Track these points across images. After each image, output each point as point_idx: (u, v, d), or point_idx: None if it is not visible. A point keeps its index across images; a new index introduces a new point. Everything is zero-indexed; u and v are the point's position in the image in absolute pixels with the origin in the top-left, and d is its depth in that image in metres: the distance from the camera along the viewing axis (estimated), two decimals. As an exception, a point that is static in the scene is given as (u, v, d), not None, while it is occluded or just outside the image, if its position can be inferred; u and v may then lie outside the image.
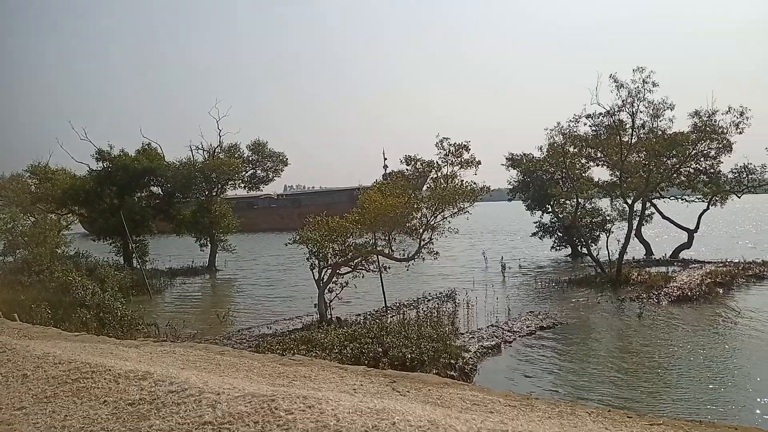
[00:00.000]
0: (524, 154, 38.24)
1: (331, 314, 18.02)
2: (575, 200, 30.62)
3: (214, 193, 35.76)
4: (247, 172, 40.37)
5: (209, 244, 35.75)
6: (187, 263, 35.80)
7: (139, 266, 29.99)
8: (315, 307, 18.25)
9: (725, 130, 28.18)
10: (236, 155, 38.25)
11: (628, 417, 5.43)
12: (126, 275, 25.69)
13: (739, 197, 32.49)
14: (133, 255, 31.87)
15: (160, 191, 36.04)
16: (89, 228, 39.38)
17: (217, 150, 37.85)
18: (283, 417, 3.82)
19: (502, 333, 16.52)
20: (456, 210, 19.49)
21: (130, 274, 26.78)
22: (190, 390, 4.59)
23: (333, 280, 18.29)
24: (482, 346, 15.06)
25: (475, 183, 21.17)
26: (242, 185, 40.78)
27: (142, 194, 35.97)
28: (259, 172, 41.09)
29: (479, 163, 20.61)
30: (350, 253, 18.43)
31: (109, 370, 5.49)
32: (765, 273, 26.32)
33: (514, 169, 39.18)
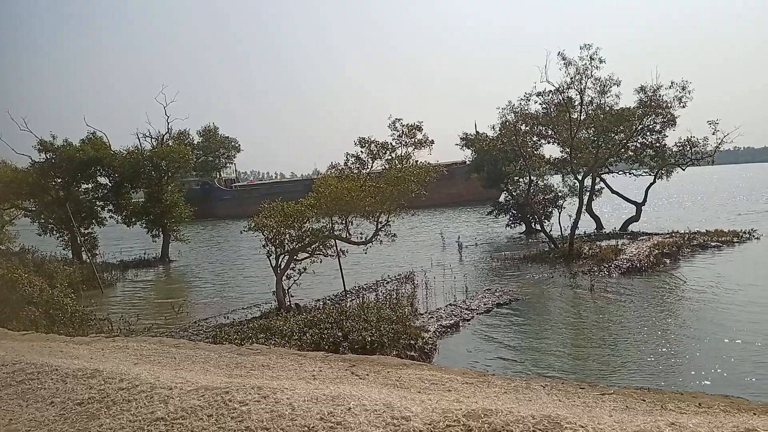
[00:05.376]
0: (478, 134, 38.66)
1: (289, 301, 17.90)
2: (528, 178, 31.15)
3: (164, 182, 34.78)
4: (198, 159, 39.45)
5: (161, 235, 34.91)
6: (139, 255, 34.93)
7: (88, 260, 29.07)
8: (273, 294, 18.10)
9: (669, 105, 29.11)
10: (186, 142, 37.28)
11: (580, 388, 5.58)
12: (75, 270, 24.89)
13: (684, 170, 33.67)
14: (82, 248, 30.86)
15: (108, 181, 34.86)
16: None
17: (165, 137, 36.82)
18: (237, 409, 3.77)
19: (461, 311, 16.75)
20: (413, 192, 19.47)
21: (79, 269, 25.94)
22: (141, 386, 4.49)
23: (291, 266, 18.15)
24: (441, 325, 15.25)
25: (429, 163, 21.37)
26: (194, 173, 39.87)
27: (89, 185, 34.74)
28: (210, 158, 40.26)
29: (432, 143, 20.75)
30: (307, 239, 18.31)
31: (56, 369, 5.32)
32: (708, 242, 27.44)
33: (468, 148, 39.59)
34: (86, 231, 32.58)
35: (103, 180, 34.66)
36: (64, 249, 32.37)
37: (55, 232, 32.89)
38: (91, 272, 25.76)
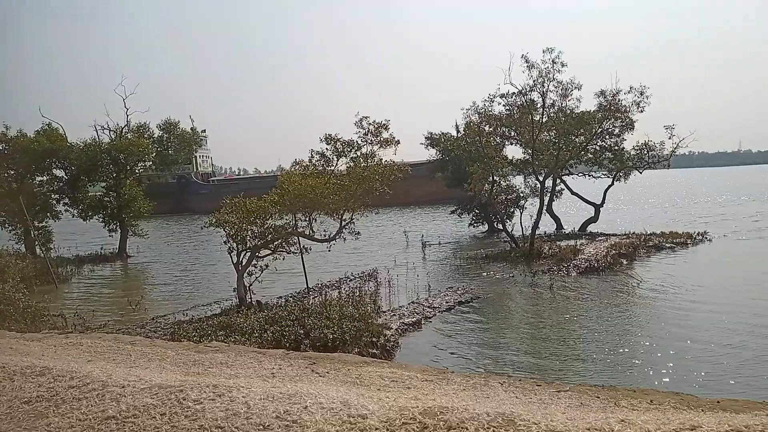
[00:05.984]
0: (442, 134, 38.92)
1: (251, 298, 17.69)
2: (491, 178, 31.45)
3: (122, 176, 33.99)
4: (158, 151, 38.72)
5: (119, 230, 34.10)
6: (96, 250, 34.05)
7: (42, 254, 28.21)
8: (234, 291, 17.86)
9: (628, 109, 29.81)
10: (146, 135, 36.52)
11: (537, 385, 5.68)
12: (28, 264, 24.12)
13: (641, 173, 34.56)
14: (36, 242, 29.94)
15: (63, 174, 33.92)
16: None
17: (124, 130, 35.97)
18: (191, 407, 3.70)
19: (423, 309, 16.85)
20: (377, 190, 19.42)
21: (32, 263, 25.16)
22: (92, 384, 4.37)
23: (252, 263, 17.94)
24: (403, 323, 15.31)
25: (394, 162, 21.37)
26: (153, 167, 39.09)
27: (44, 178, 33.75)
28: (171, 152, 39.56)
29: (398, 142, 20.74)
30: (270, 236, 18.11)
31: (3, 367, 5.14)
32: (663, 244, 28.23)
33: (433, 148, 39.82)
34: (40, 224, 31.71)
35: (58, 172, 33.77)
36: (16, 243, 31.42)
37: (7, 226, 31.86)
38: (45, 267, 25.03)
